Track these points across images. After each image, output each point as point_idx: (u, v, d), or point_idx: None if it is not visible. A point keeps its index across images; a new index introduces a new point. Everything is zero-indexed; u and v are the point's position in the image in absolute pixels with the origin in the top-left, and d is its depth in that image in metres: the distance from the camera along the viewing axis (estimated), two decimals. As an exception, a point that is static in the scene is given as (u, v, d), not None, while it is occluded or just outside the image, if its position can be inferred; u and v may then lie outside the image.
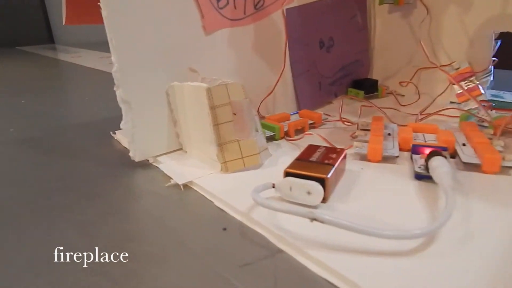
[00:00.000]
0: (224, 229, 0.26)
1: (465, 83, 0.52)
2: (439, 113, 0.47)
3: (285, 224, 0.25)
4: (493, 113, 0.44)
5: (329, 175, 0.28)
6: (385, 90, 0.61)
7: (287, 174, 0.29)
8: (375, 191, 0.30)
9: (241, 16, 0.43)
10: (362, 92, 0.58)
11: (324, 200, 0.28)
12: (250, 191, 0.27)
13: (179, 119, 0.38)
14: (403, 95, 0.60)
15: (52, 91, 0.79)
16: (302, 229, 0.24)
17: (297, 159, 0.31)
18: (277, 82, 0.47)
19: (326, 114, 0.50)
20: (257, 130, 0.36)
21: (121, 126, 0.35)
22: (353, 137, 0.42)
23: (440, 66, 0.53)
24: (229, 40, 0.43)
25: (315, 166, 0.29)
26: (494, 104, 0.46)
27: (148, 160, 0.38)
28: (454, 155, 0.35)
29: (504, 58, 0.53)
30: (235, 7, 0.42)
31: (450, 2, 0.52)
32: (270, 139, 0.42)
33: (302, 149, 0.38)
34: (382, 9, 0.60)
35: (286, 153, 0.39)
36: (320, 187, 0.27)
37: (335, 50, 0.57)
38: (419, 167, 0.32)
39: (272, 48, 0.48)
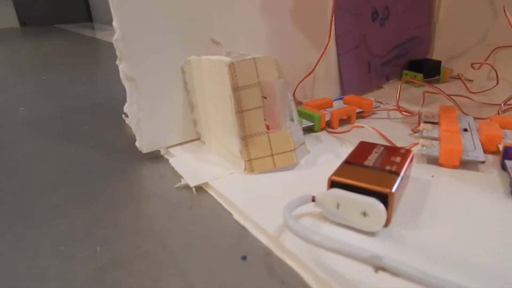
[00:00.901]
0: (244, 257, 0.19)
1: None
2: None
3: (332, 261, 0.18)
4: None
5: (394, 189, 0.20)
6: (448, 74, 0.50)
7: (334, 184, 0.21)
8: (457, 211, 0.22)
9: (278, -25, 0.35)
10: (420, 75, 0.48)
11: (385, 223, 0.20)
12: (281, 201, 0.20)
13: (197, 102, 0.31)
14: (472, 80, 0.49)
15: (77, 69, 0.75)
16: (356, 271, 0.17)
17: (347, 162, 0.23)
18: (319, 59, 0.38)
19: (378, 101, 0.41)
20: (292, 120, 0.28)
21: (125, 109, 0.29)
22: (415, 131, 0.33)
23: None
24: (261, 6, 0.35)
25: (372, 174, 0.21)
26: None
27: (159, 151, 0.31)
28: None
29: None
30: (270, -36, 0.34)
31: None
32: (307, 130, 0.34)
33: (348, 146, 0.29)
34: (453, -27, 0.49)
35: (328, 150, 0.31)
36: (382, 207, 0.19)
37: (390, 23, 0.47)
38: (520, 180, 0.23)
39: (314, 18, 0.39)
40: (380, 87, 0.49)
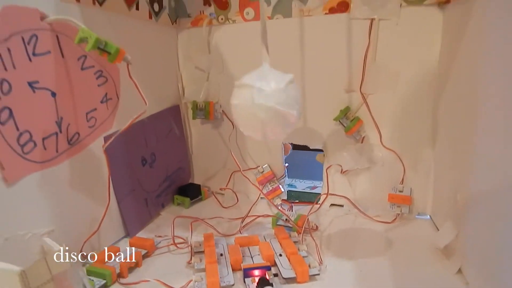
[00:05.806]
0: None
1: (270, 184, 0.63)
2: (260, 216, 0.55)
3: None
4: (294, 213, 0.54)
5: None
6: (207, 192, 0.66)
7: None
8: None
9: (53, 155, 0.39)
10: (187, 199, 0.61)
11: None
12: None
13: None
14: (223, 194, 0.67)
15: None
16: None
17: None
18: (102, 218, 0.44)
19: (158, 236, 0.49)
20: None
21: None
22: (190, 264, 0.43)
23: (249, 169, 0.63)
24: (40, 184, 0.38)
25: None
26: (293, 204, 0.57)
27: None
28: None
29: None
30: (44, 148, 0.38)
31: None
32: (101, 288, 0.38)
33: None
34: (196, 122, 0.67)
35: (123, 306, 0.36)
36: None
37: (158, 164, 0.59)
38: (253, 297, 0.36)
39: (93, 179, 0.45)
40: (158, 214, 0.58)
